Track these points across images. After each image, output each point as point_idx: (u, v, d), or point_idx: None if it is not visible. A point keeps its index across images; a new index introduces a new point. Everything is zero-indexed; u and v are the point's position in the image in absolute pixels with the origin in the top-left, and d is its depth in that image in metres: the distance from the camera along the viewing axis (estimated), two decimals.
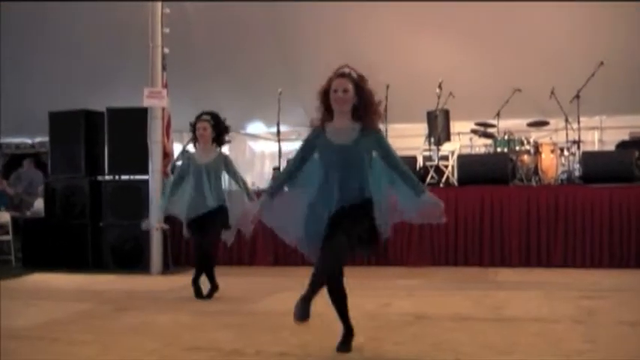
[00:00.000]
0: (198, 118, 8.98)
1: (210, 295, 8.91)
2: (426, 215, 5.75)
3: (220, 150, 9.20)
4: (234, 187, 8.97)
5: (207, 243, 8.84)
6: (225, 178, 8.98)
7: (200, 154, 9.00)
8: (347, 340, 5.93)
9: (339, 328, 5.97)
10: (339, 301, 5.87)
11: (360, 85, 5.67)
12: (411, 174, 5.74)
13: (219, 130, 9.05)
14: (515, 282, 10.08)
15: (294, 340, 6.37)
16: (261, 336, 6.62)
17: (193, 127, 8.97)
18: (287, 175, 6.06)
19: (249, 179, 17.70)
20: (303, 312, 5.42)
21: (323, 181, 5.67)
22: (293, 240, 6.03)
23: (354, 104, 5.65)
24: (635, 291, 9.14)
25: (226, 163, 9.01)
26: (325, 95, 5.70)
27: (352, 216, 5.55)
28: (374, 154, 5.69)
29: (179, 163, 15.57)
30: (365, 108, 5.67)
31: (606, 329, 6.70)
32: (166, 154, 12.16)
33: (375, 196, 5.59)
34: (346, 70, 5.73)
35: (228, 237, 9.01)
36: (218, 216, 8.76)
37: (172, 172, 13.08)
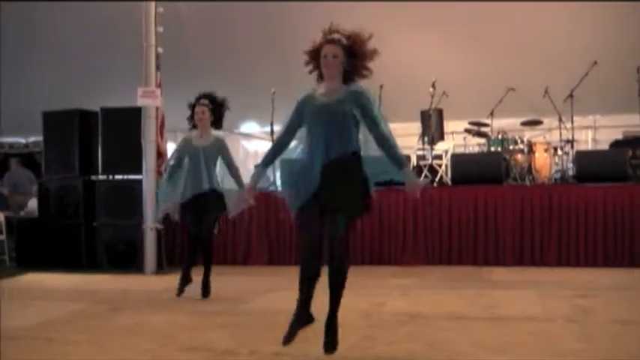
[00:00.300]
0: (197, 101, 8.91)
1: (206, 294, 8.91)
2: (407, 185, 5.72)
3: (217, 135, 9.12)
4: (226, 177, 8.88)
5: (206, 231, 8.79)
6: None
7: (197, 137, 8.91)
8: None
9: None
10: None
11: (351, 49, 5.74)
12: (390, 140, 5.64)
13: (218, 114, 9.00)
14: (509, 281, 10.09)
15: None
16: (256, 335, 6.62)
17: (192, 111, 8.90)
18: (279, 144, 6.09)
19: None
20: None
21: (310, 139, 5.76)
22: (284, 194, 6.00)
23: (345, 68, 5.72)
24: (629, 290, 9.17)
25: (222, 150, 8.92)
26: (315, 57, 5.80)
27: (346, 192, 5.57)
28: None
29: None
30: (355, 71, 5.76)
31: (600, 328, 6.72)
32: (160, 154, 12.14)
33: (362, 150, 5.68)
34: (335, 36, 5.78)
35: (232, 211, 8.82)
36: (214, 202, 8.70)
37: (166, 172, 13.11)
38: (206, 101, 8.89)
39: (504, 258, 11.57)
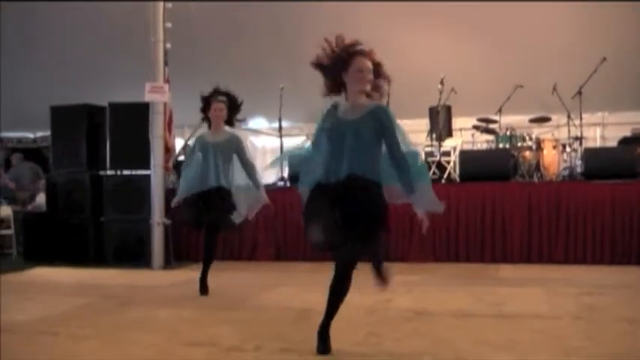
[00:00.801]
0: (213, 97, 8.76)
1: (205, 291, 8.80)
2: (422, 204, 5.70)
3: (233, 132, 8.96)
4: (242, 181, 8.75)
5: (215, 226, 8.66)
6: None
7: (211, 134, 8.80)
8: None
9: (341, 325, 5.95)
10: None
11: (378, 68, 5.63)
12: (406, 164, 5.51)
13: (234, 113, 8.87)
14: (516, 278, 10.07)
15: (295, 336, 6.38)
16: (262, 331, 6.62)
17: (206, 106, 8.77)
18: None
19: None
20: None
21: (329, 154, 5.57)
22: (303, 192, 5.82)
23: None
24: (637, 288, 9.15)
25: (238, 146, 8.76)
26: (340, 68, 5.58)
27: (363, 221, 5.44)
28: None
29: (181, 158, 15.63)
30: (377, 86, 5.64)
31: (607, 326, 6.70)
32: (168, 149, 12.15)
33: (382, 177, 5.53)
34: (366, 48, 5.61)
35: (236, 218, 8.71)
36: (221, 200, 8.57)
37: (174, 167, 13.09)
38: (224, 98, 8.75)
39: (512, 255, 11.54)
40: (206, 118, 8.86)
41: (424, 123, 15.07)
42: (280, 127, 14.71)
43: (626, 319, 6.93)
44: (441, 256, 11.83)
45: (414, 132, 15.30)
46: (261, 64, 16.38)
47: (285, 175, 13.71)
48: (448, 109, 14.67)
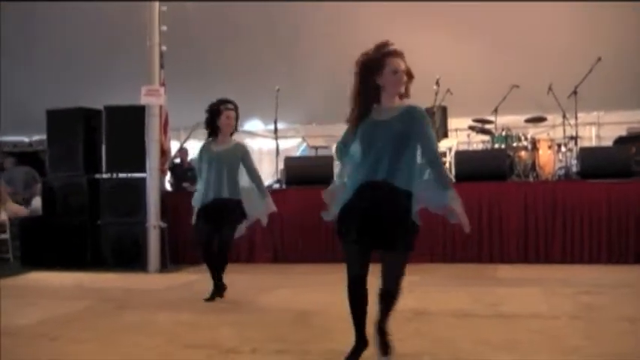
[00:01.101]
0: (223, 105, 8.59)
1: (214, 297, 8.64)
2: (447, 212, 5.58)
3: (237, 140, 8.93)
4: (247, 183, 8.66)
5: (225, 238, 8.51)
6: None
7: (217, 143, 8.66)
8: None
9: (339, 326, 5.96)
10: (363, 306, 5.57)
11: (408, 69, 5.44)
12: (440, 161, 5.46)
13: (237, 119, 8.78)
14: (514, 278, 10.08)
15: (293, 338, 6.39)
16: (260, 333, 6.62)
17: (216, 114, 8.58)
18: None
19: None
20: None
21: (363, 159, 5.36)
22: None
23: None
24: (634, 287, 9.15)
25: (243, 155, 8.69)
26: (373, 72, 5.34)
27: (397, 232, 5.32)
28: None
29: (177, 160, 15.63)
30: (407, 87, 5.46)
31: (605, 325, 6.71)
32: (164, 152, 12.15)
33: (414, 184, 5.35)
34: (398, 48, 5.43)
35: (239, 231, 8.69)
36: (232, 210, 8.48)
37: (170, 170, 13.07)
38: (232, 106, 8.61)
39: (509, 255, 11.55)
40: (213, 128, 8.66)
41: None
42: (276, 129, 14.72)
43: (625, 318, 6.95)
44: (438, 256, 11.82)
45: None
46: (257, 66, 16.40)
47: (281, 176, 13.72)
48: (444, 110, 14.71)
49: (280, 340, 6.27)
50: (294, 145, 18.15)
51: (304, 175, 12.57)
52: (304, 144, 17.27)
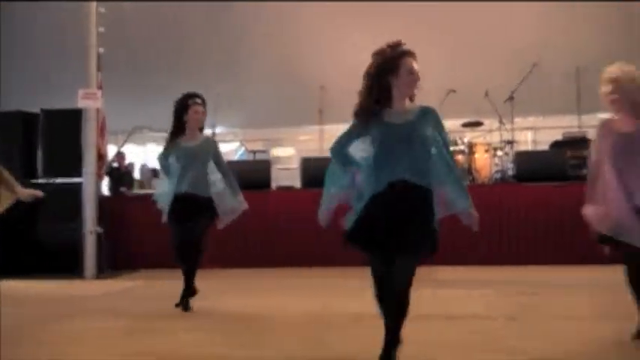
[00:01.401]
0: (191, 99, 8.23)
1: (184, 302, 8.29)
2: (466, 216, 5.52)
3: (207, 135, 8.60)
4: (217, 180, 8.33)
5: (197, 234, 8.19)
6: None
7: (185, 139, 8.24)
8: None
9: (282, 330, 5.94)
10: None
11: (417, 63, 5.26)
12: (455, 165, 5.40)
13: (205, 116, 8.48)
14: (456, 280, 10.17)
15: (233, 341, 6.38)
16: (199, 339, 6.59)
17: (183, 109, 8.22)
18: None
19: None
20: None
21: (379, 163, 5.14)
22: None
23: None
24: (572, 287, 9.28)
25: (215, 151, 8.43)
26: (387, 73, 5.17)
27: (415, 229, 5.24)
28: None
29: (115, 164, 15.47)
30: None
31: (540, 325, 6.81)
32: (101, 156, 12.01)
33: (434, 183, 5.21)
34: (410, 48, 5.27)
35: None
36: (203, 207, 8.16)
37: (108, 175, 12.91)
38: (200, 100, 8.30)
39: (449, 257, 11.62)
40: (180, 123, 8.28)
41: None
42: (214, 133, 14.69)
43: (560, 317, 7.06)
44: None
45: None
46: (197, 69, 16.32)
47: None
48: None
49: (222, 345, 6.25)
50: (232, 149, 18.11)
51: (242, 179, 12.49)
52: (242, 148, 17.24)
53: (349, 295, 8.85)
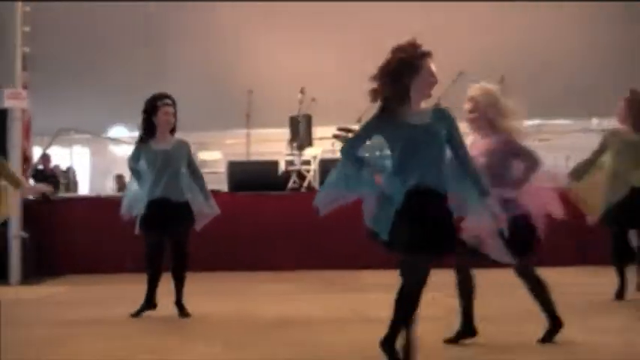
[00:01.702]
0: (160, 100, 7.94)
1: (184, 313, 7.99)
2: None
3: (180, 138, 8.15)
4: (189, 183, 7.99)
5: (182, 240, 7.94)
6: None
7: (156, 141, 7.94)
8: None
9: (212, 333, 5.95)
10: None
11: None
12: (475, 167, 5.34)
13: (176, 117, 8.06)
14: (378, 284, 10.19)
15: (165, 345, 6.37)
16: (130, 344, 6.56)
17: (152, 110, 7.95)
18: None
19: (111, 184, 17.51)
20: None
21: (399, 166, 5.12)
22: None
23: None
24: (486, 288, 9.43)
25: (188, 153, 8.10)
26: (408, 73, 5.10)
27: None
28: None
29: (40, 167, 15.28)
30: None
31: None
32: (26, 158, 11.87)
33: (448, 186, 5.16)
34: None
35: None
36: (183, 216, 7.90)
37: (33, 177, 12.73)
38: (170, 101, 7.97)
39: (373, 261, 11.68)
40: (150, 126, 8.02)
41: (285, 132, 15.20)
42: (141, 137, 14.57)
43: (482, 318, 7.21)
44: (306, 263, 11.91)
45: (275, 141, 15.50)
46: (123, 71, 16.21)
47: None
48: (309, 119, 14.84)
49: (153, 351, 6.23)
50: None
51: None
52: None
53: (270, 299, 8.89)
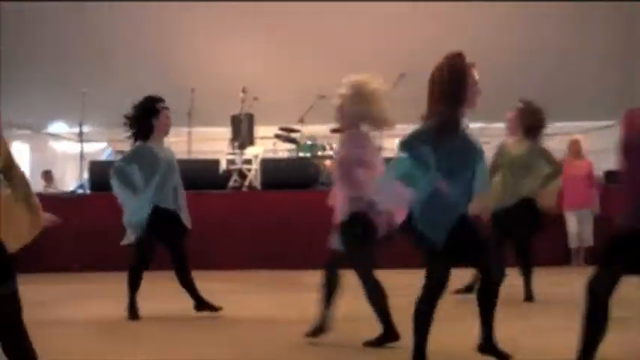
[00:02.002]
0: (159, 104, 7.59)
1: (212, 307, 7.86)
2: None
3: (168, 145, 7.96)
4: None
5: (183, 251, 7.80)
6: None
7: (157, 147, 7.63)
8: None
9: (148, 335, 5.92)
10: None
11: None
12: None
13: None
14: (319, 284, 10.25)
15: (99, 349, 6.30)
16: (65, 347, 6.47)
17: (152, 113, 7.57)
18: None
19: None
20: None
21: (463, 174, 4.99)
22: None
23: None
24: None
25: (175, 160, 7.85)
26: (462, 82, 4.98)
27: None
28: None
29: None
30: None
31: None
32: None
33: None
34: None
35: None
36: (182, 223, 7.76)
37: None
38: (167, 105, 7.67)
39: (315, 261, 11.69)
40: (146, 128, 7.63)
41: (226, 131, 15.14)
42: (81, 132, 14.42)
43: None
44: (246, 263, 11.88)
45: (216, 140, 15.44)
46: (63, 66, 16.02)
47: (85, 181, 13.44)
48: (250, 118, 14.81)
49: (88, 353, 6.17)
50: (99, 149, 17.79)
51: (109, 180, 12.34)
52: (109, 148, 16.97)
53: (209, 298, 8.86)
